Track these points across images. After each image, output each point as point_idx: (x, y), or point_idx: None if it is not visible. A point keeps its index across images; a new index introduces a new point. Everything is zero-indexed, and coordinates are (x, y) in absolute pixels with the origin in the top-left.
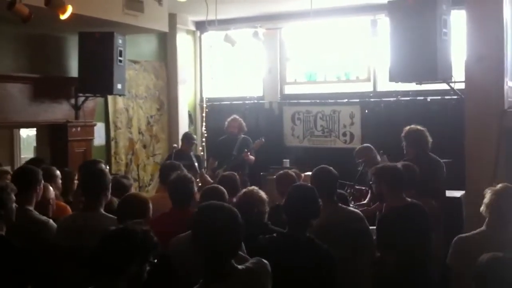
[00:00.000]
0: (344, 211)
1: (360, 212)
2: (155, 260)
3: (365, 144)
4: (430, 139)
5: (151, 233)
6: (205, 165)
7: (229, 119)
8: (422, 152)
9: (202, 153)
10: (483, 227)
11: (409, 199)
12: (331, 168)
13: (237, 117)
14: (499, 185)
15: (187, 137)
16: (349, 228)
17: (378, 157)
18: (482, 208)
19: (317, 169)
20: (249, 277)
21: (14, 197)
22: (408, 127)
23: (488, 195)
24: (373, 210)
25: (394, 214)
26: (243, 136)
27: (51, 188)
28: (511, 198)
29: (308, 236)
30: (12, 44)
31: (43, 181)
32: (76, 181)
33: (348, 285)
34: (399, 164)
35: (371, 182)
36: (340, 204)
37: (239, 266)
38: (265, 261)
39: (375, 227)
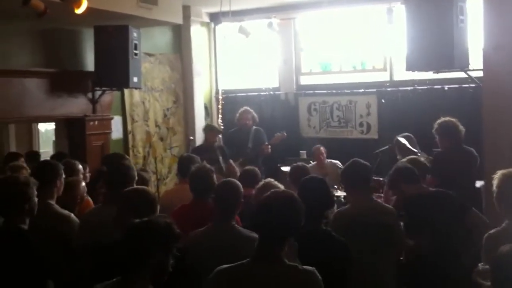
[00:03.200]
0: (375, 205)
1: (392, 207)
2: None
3: (406, 133)
4: (462, 129)
5: (174, 225)
6: None
7: (240, 111)
8: (456, 143)
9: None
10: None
11: (432, 189)
12: (364, 161)
13: (249, 108)
14: None
15: (210, 127)
16: (379, 222)
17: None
18: None
19: (349, 163)
20: (293, 273)
21: (35, 191)
22: (439, 120)
23: None
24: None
25: (421, 198)
26: (255, 127)
27: (83, 184)
28: None
29: (324, 228)
30: (28, 39)
31: (65, 176)
32: (88, 174)
33: (372, 279)
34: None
35: None
36: (372, 197)
37: (287, 261)
38: (318, 276)
39: None
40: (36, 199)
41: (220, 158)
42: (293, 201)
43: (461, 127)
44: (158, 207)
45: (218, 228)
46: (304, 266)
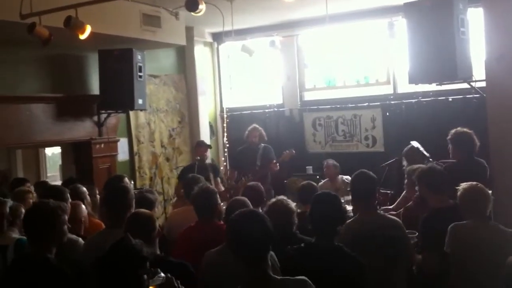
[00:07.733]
0: (381, 218)
1: (398, 220)
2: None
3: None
4: (477, 142)
5: (138, 247)
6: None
7: (249, 128)
8: (468, 155)
9: (225, 163)
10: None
11: (451, 201)
12: (370, 173)
13: (257, 126)
14: None
15: (198, 143)
16: (386, 235)
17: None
18: None
19: (355, 174)
20: (286, 285)
21: (66, 218)
22: (455, 130)
23: None
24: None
25: (439, 215)
26: (263, 145)
27: (83, 206)
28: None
29: (336, 244)
30: (34, 65)
31: (70, 200)
32: (98, 196)
33: None
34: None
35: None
36: (378, 211)
37: (277, 277)
38: (310, 284)
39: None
40: (64, 227)
41: (211, 175)
42: (259, 216)
43: (476, 140)
44: (157, 224)
45: None
46: (296, 277)
